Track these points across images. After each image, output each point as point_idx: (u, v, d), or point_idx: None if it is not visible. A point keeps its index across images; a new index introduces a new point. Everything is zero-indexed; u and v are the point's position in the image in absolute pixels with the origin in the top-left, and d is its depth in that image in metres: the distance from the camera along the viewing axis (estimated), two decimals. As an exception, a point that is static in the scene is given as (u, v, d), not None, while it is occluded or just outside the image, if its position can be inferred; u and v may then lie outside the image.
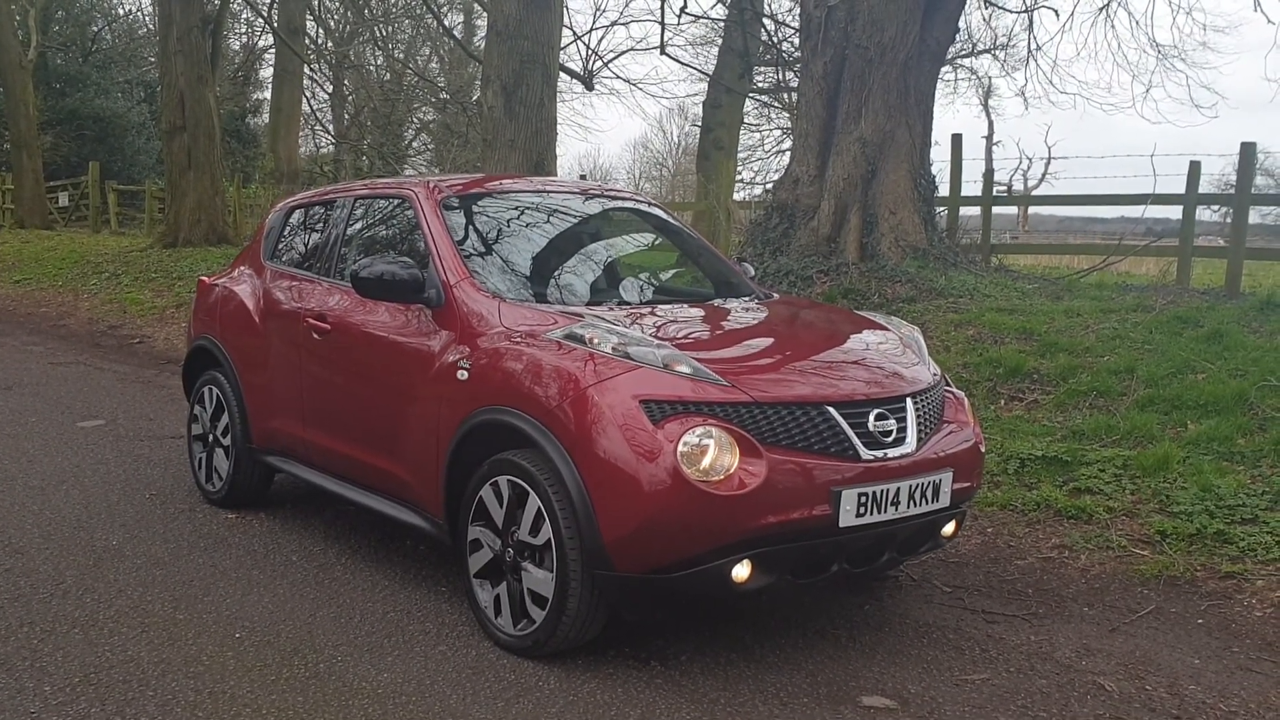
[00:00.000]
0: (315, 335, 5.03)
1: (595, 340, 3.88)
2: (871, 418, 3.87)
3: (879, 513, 3.80)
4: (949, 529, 4.24)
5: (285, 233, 5.79)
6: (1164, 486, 5.51)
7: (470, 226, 4.84)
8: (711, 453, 3.57)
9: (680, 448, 3.55)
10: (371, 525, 5.47)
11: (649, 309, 4.54)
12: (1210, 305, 8.29)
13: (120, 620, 4.21)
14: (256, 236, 5.98)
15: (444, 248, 4.60)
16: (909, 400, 4.04)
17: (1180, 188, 10.45)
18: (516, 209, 5.10)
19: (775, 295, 5.25)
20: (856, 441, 3.79)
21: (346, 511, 5.70)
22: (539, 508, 3.81)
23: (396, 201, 5.11)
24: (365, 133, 36.88)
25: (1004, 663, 4.01)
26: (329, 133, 38.40)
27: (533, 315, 4.20)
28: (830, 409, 3.80)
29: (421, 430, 4.37)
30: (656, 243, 5.54)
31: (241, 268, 5.95)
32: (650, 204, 5.69)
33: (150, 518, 5.57)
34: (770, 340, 4.25)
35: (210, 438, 5.89)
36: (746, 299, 5.00)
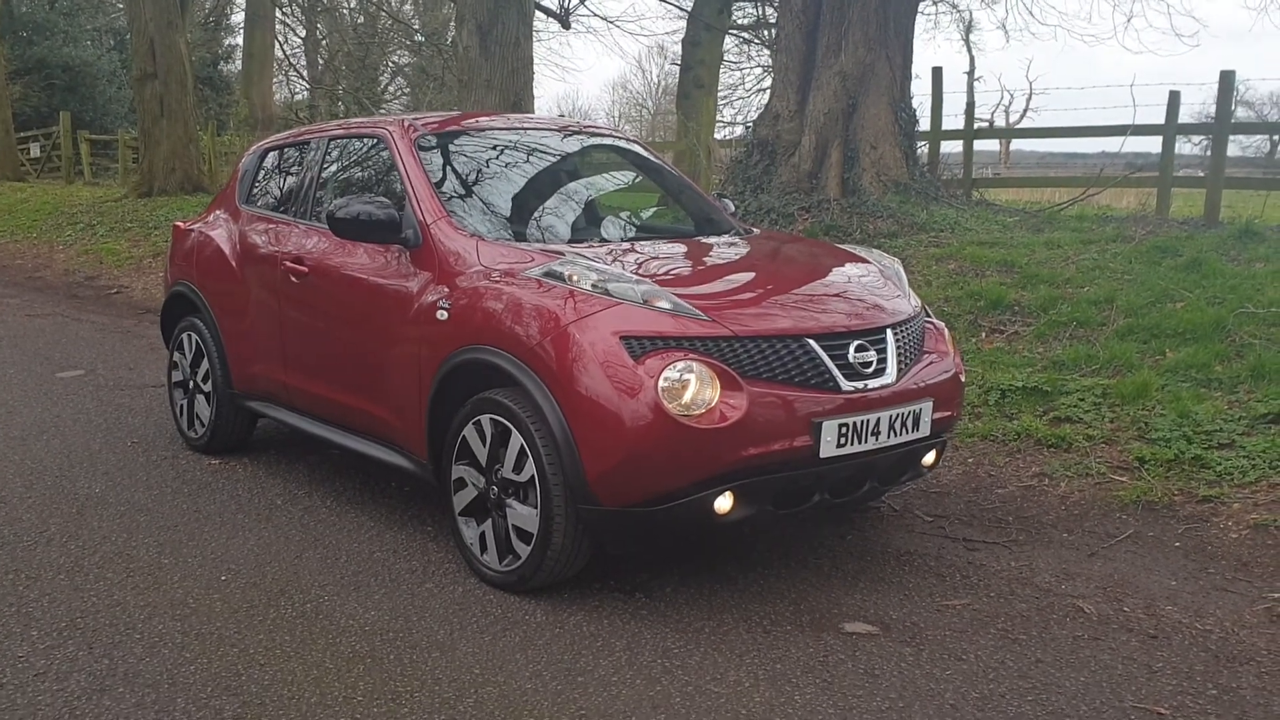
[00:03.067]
0: (293, 279, 4.99)
1: (574, 277, 3.86)
2: (851, 349, 3.88)
3: (859, 443, 3.83)
4: (929, 459, 4.27)
5: (260, 176, 5.73)
6: (1142, 414, 5.55)
7: (447, 165, 4.79)
8: (692, 387, 3.58)
9: (661, 383, 3.55)
10: (355, 468, 5.48)
11: (629, 246, 4.52)
12: (1190, 235, 8.31)
13: (105, 566, 4.21)
14: (231, 180, 5.92)
15: (420, 187, 4.56)
16: (889, 331, 4.04)
17: (1161, 119, 10.42)
18: (494, 147, 5.05)
19: (756, 231, 5.24)
20: (836, 373, 3.80)
21: (330, 455, 5.71)
22: (521, 445, 3.82)
23: (371, 141, 5.05)
24: (340, 78, 36.43)
25: (984, 588, 4.06)
26: (304, 78, 37.95)
27: (511, 254, 4.18)
28: (810, 341, 3.80)
29: (402, 372, 4.36)
30: (636, 180, 5.50)
31: (217, 212, 5.89)
32: (630, 141, 5.64)
33: (133, 465, 5.57)
34: (751, 275, 4.24)
35: (191, 384, 5.87)
36: (728, 235, 4.99)
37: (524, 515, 3.86)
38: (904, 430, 3.96)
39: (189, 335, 5.85)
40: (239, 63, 31.46)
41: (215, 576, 4.12)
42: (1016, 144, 23.25)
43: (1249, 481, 4.80)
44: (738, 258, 4.48)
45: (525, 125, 5.36)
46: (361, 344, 4.61)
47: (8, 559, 4.27)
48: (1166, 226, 8.95)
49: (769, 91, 10.93)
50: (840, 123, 9.62)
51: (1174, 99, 10.33)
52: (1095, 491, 4.98)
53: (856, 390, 3.83)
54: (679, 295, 3.80)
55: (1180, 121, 10.48)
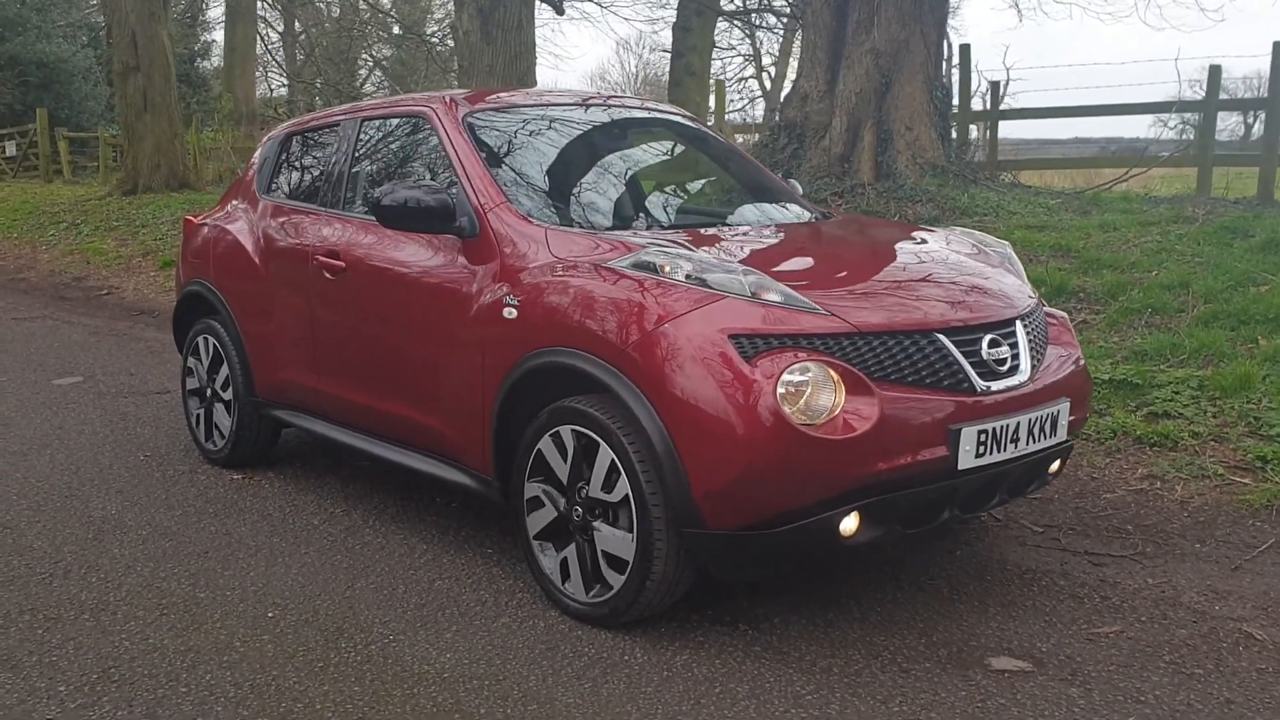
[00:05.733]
0: (327, 275, 4.49)
1: (668, 268, 3.39)
2: (985, 345, 3.42)
3: (998, 451, 3.37)
4: (1055, 465, 3.81)
5: (282, 162, 5.22)
6: (1249, 408, 5.12)
7: (497, 145, 4.30)
8: (815, 392, 3.12)
9: (780, 387, 3.08)
10: (392, 481, 4.99)
11: (714, 233, 4.04)
12: (1256, 215, 7.89)
13: (134, 602, 3.72)
14: (248, 169, 5.40)
15: (473, 169, 4.07)
16: (1019, 323, 3.59)
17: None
18: (546, 123, 4.55)
19: (835, 214, 4.76)
20: (971, 372, 3.34)
21: (362, 467, 5.22)
22: (612, 460, 3.35)
23: (411, 121, 4.55)
24: (319, 71, 35.73)
25: (1130, 611, 3.61)
26: (283, 71, 37.20)
27: (586, 242, 3.69)
28: (940, 336, 3.35)
29: (461, 378, 3.88)
30: (699, 160, 5.01)
31: (234, 203, 5.38)
32: (689, 118, 5.15)
33: (149, 482, 5.06)
34: (856, 263, 3.76)
35: (208, 392, 5.36)
36: (810, 219, 4.52)
37: (616, 539, 3.38)
38: (1042, 435, 3.50)
39: (205, 339, 5.33)
40: (215, 59, 30.76)
41: (261, 613, 3.63)
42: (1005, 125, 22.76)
43: (1389, 481, 4.37)
44: (834, 244, 4.01)
45: (573, 101, 4.87)
46: (409, 347, 4.12)
47: (21, 596, 3.76)
48: (1224, 207, 8.53)
49: (754, 80, 10.41)
50: (873, 103, 9.15)
51: (1214, 74, 9.92)
52: (1217, 495, 4.54)
53: (993, 391, 3.37)
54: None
55: (1222, 98, 10.06)
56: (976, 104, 11.53)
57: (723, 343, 3.17)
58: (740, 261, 3.53)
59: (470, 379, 3.84)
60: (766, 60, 33.52)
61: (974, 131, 11.46)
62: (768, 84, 33.66)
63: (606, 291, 3.41)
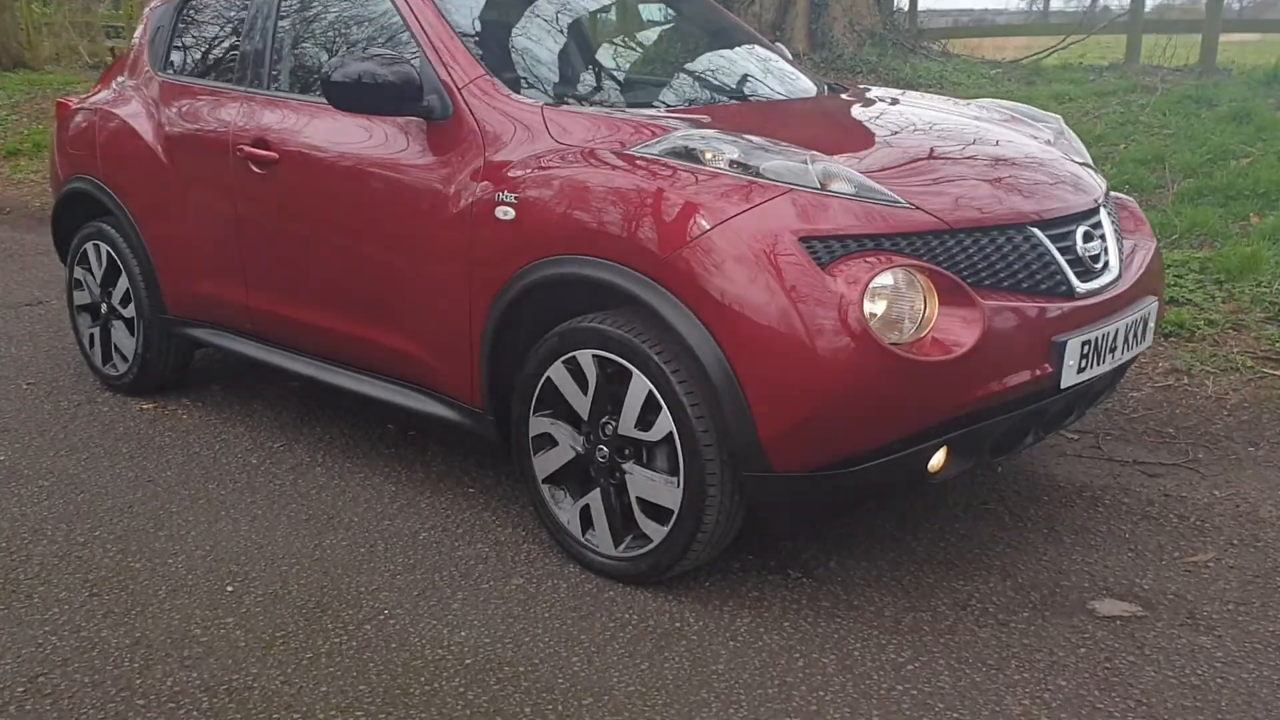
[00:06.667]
0: (254, 168, 3.73)
1: (709, 154, 2.77)
2: (1079, 238, 2.93)
3: (1098, 364, 2.91)
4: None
5: (181, 32, 4.35)
6: (1262, 292, 4.80)
7: (465, 5, 3.56)
8: (907, 304, 2.58)
9: (867, 301, 2.53)
10: (333, 404, 4.31)
11: (740, 109, 3.42)
12: (1216, 83, 7.56)
13: (52, 580, 3.03)
14: (139, 41, 4.50)
15: (438, 35, 3.35)
16: (1103, 211, 3.10)
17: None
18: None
19: (842, 85, 4.17)
20: (1069, 273, 2.85)
21: (292, 388, 4.52)
22: (650, 392, 2.77)
23: (349, -22, 3.76)
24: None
25: (1214, 533, 3.24)
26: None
27: (598, 124, 3.04)
28: (1036, 231, 2.83)
29: (440, 293, 3.22)
30: (701, 29, 4.31)
31: (120, 81, 4.50)
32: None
33: (39, 416, 4.29)
34: (913, 145, 3.17)
35: (104, 308, 4.55)
36: (826, 91, 3.92)
37: (655, 485, 2.83)
38: (1135, 342, 3.06)
39: (96, 245, 4.50)
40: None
41: (217, 587, 2.99)
42: None
43: None
44: (877, 122, 3.42)
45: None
46: (368, 257, 3.43)
47: (-95, 581, 3.04)
48: (1175, 75, 8.18)
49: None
50: (805, -36, 8.49)
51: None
52: (1253, 391, 4.20)
53: (1091, 293, 2.88)
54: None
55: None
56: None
57: (793, 246, 2.59)
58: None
59: (453, 294, 3.19)
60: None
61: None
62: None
63: (637, 185, 2.78)
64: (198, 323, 4.23)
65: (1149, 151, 6.27)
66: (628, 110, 3.20)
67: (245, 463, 3.84)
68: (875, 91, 4.00)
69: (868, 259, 2.60)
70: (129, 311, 4.43)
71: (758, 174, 2.71)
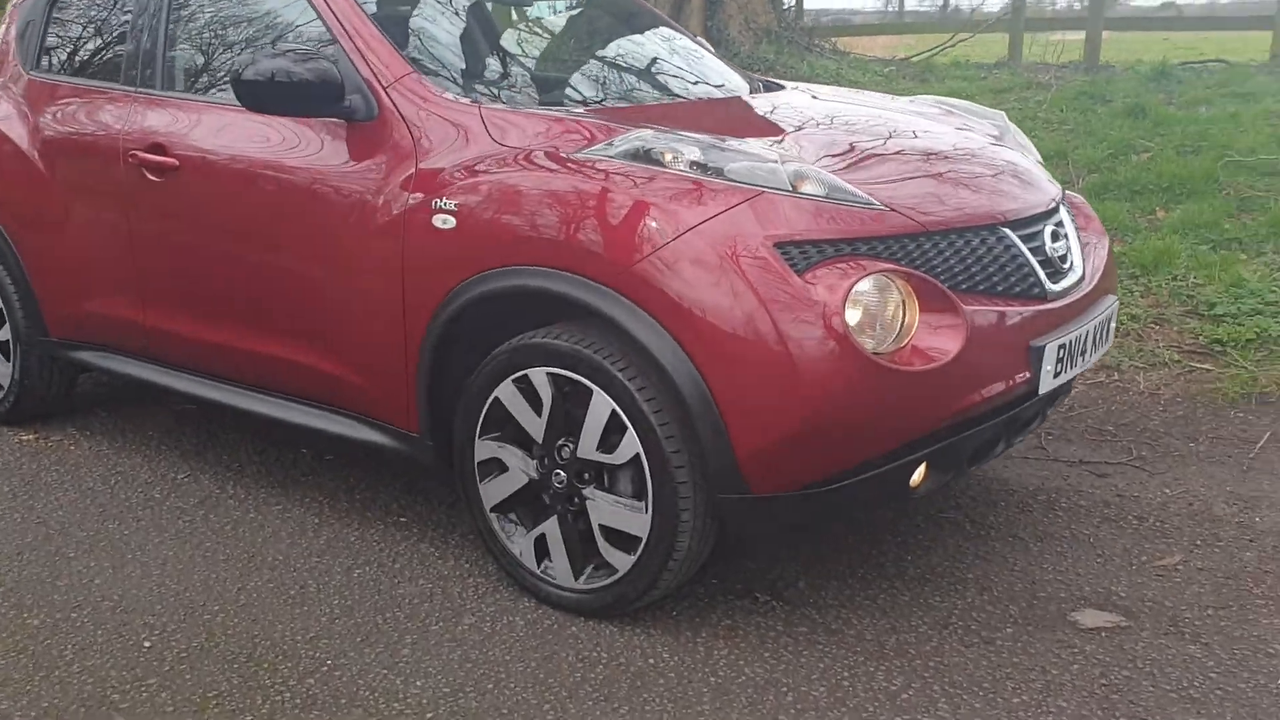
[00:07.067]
0: (151, 177, 3.40)
1: (669, 156, 2.59)
2: (1047, 237, 2.84)
3: (1072, 368, 2.82)
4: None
5: (54, 27, 3.96)
6: (1179, 285, 4.84)
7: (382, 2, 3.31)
8: (888, 312, 2.45)
9: (849, 308, 2.38)
10: (237, 428, 3.99)
11: (678, 107, 3.25)
12: (1108, 79, 7.69)
13: (-63, 645, 2.68)
14: (6, 37, 4.09)
15: (358, 29, 3.09)
16: (1064, 209, 3.03)
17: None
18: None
19: (776, 82, 4.02)
20: (1041, 274, 2.75)
21: (188, 412, 4.18)
22: (613, 411, 2.57)
23: (250, -31, 3.46)
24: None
25: (1175, 534, 3.19)
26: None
27: (546, 125, 2.82)
28: (1008, 231, 2.73)
29: (369, 310, 2.97)
30: (627, 24, 4.10)
31: (-14, 82, 4.09)
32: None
33: (-95, 456, 3.87)
34: (870, 144, 3.02)
35: (-26, 332, 4.14)
36: (761, 88, 3.77)
37: (620, 511, 2.63)
38: (1099, 343, 2.98)
39: (-38, 263, 4.09)
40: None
41: (134, 643, 2.68)
42: None
43: (1355, 361, 4.15)
44: (826, 120, 3.27)
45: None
46: (289, 272, 3.15)
47: None
48: (1066, 72, 8.32)
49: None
50: (699, -40, 8.37)
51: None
52: (1184, 385, 4.22)
53: (1062, 294, 2.80)
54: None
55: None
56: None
57: (768, 252, 2.42)
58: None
59: (384, 310, 2.93)
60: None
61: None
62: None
63: (597, 190, 2.58)
64: (84, 345, 3.86)
65: (1051, 147, 6.31)
66: (573, 110, 2.99)
67: (147, 497, 3.51)
68: (812, 89, 3.86)
69: (846, 264, 2.45)
70: (3, 334, 4.04)
71: (722, 175, 2.54)
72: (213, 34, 3.48)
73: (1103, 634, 2.67)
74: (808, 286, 2.40)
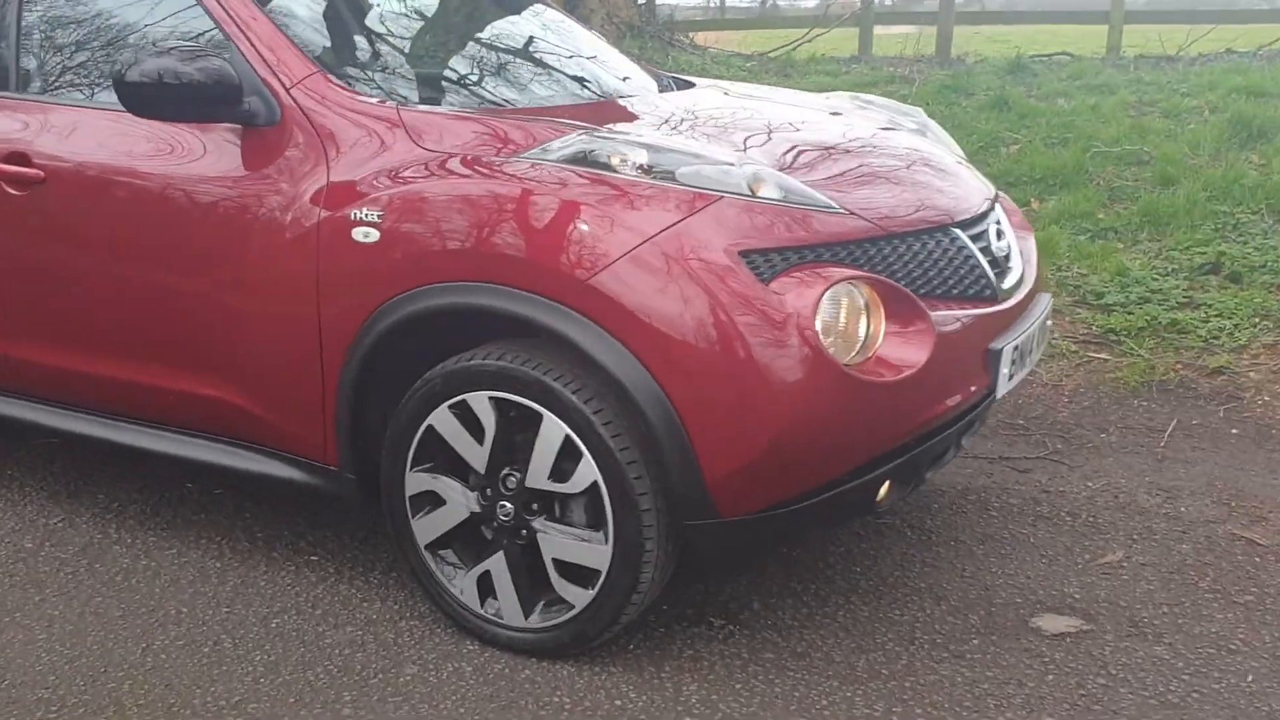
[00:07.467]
0: (10, 189, 3.03)
1: (616, 160, 2.43)
2: (992, 236, 2.79)
3: (1022, 369, 2.78)
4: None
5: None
6: (1064, 275, 4.92)
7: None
8: (857, 320, 2.35)
9: (820, 318, 2.27)
10: (110, 461, 3.62)
11: (601, 107, 3.08)
12: (968, 73, 7.84)
13: None
14: None
15: (253, 25, 2.81)
16: (999, 206, 2.99)
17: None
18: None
19: (685, 79, 3.88)
20: (991, 274, 2.69)
21: (52, 446, 3.78)
22: (566, 437, 2.39)
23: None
24: None
25: (1110, 530, 3.20)
26: None
27: (475, 128, 2.62)
28: (958, 231, 2.66)
29: (280, 334, 2.70)
30: (524, 21, 3.86)
31: None
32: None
33: None
34: (809, 144, 2.90)
35: None
36: (674, 87, 3.62)
37: (575, 544, 2.46)
38: (1040, 342, 2.95)
39: None
40: None
41: (27, 717, 2.37)
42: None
43: (1242, 345, 4.29)
44: (756, 120, 3.13)
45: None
46: (180, 295, 2.84)
47: None
48: (921, 66, 8.45)
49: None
50: (556, -46, 8.16)
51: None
52: (1085, 375, 4.27)
53: (1009, 293, 2.75)
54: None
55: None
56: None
57: (733, 262, 2.29)
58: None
59: (295, 334, 2.67)
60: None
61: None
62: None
63: (544, 198, 2.39)
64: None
65: (922, 140, 6.37)
66: (502, 112, 2.79)
67: (18, 548, 3.14)
68: (722, 85, 3.74)
69: (812, 272, 2.34)
70: None
71: (673, 179, 2.39)
72: (87, 28, 3.13)
73: (1068, 640, 2.63)
74: (776, 297, 2.27)
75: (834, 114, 3.25)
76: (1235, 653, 2.57)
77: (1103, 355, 4.37)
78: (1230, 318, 4.41)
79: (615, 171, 2.40)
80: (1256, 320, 4.40)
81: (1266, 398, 3.99)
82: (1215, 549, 3.05)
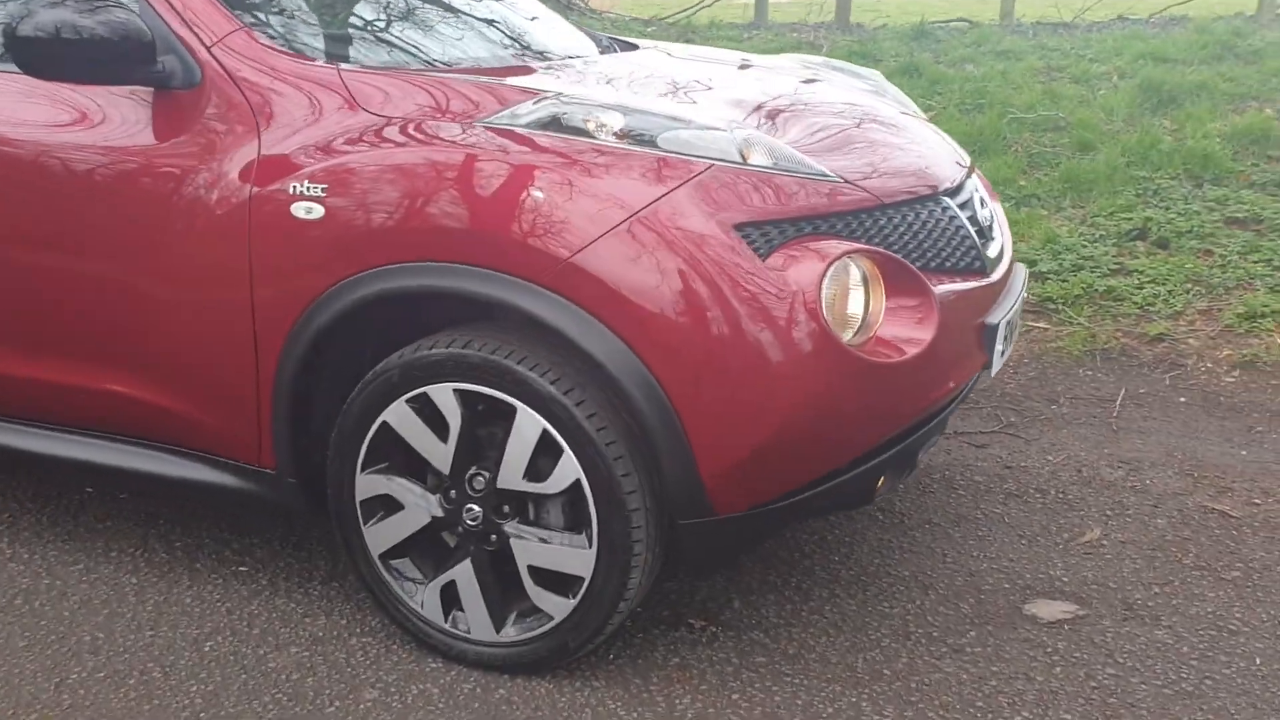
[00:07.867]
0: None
1: (593, 125, 2.19)
2: (978, 206, 2.64)
3: (1009, 345, 2.64)
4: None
5: None
6: (995, 244, 4.84)
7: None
8: (863, 298, 2.17)
9: (825, 295, 2.08)
10: (14, 473, 3.26)
11: (560, 68, 2.83)
12: (873, 39, 7.75)
13: None
14: None
15: (165, -24, 2.48)
16: (976, 174, 2.84)
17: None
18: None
19: (628, 41, 3.64)
20: (980, 245, 2.54)
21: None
22: (544, 432, 2.16)
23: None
24: None
25: (1080, 506, 3.11)
26: None
27: (427, 90, 2.35)
28: (948, 200, 2.51)
29: (206, 322, 2.40)
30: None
31: None
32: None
33: None
34: (785, 109, 2.69)
35: None
36: (618, 49, 3.39)
37: (553, 550, 2.23)
38: (1021, 317, 2.82)
39: None
40: None
41: (-70, 786, 2.04)
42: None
43: (1178, 311, 4.28)
44: (719, 84, 2.91)
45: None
46: (88, 280, 2.51)
47: None
48: (824, 30, 8.34)
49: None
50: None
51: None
52: (1029, 346, 4.20)
53: (995, 265, 2.60)
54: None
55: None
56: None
57: (729, 237, 2.08)
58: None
59: (224, 322, 2.38)
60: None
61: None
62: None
63: (515, 167, 2.14)
64: None
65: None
66: (455, 71, 2.52)
67: (-104, 572, 2.77)
68: (663, 46, 3.52)
69: (811, 246, 2.14)
70: None
71: (655, 145, 2.17)
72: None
73: (1065, 627, 2.52)
74: (777, 274, 2.08)
75: (809, 80, 3.06)
76: (1236, 634, 2.49)
77: (1041, 324, 4.31)
78: (1163, 284, 4.40)
79: (592, 137, 2.17)
80: (1189, 286, 4.39)
81: (1209, 364, 3.97)
82: (1190, 523, 2.99)
